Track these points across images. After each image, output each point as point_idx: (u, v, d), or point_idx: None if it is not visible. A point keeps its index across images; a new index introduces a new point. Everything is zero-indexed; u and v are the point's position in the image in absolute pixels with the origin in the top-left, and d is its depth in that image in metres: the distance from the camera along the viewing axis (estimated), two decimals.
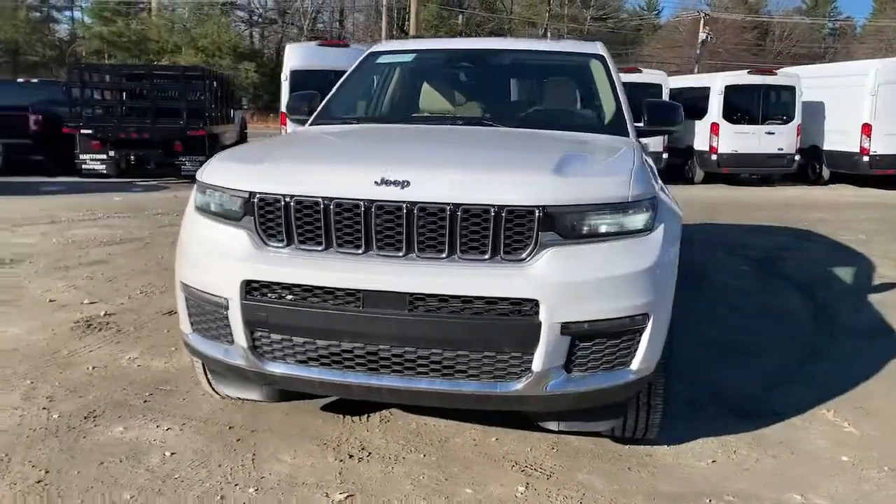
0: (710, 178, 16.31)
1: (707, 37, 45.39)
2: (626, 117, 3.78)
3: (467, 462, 2.97)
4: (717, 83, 15.88)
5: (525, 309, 2.49)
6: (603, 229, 2.60)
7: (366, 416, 3.34)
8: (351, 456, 2.98)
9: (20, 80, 18.05)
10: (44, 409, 3.34)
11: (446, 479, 2.82)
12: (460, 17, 47.87)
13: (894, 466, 3.06)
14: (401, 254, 2.56)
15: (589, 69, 4.15)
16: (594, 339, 2.60)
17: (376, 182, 2.54)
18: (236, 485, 2.73)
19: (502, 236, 2.52)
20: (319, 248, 2.62)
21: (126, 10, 46.15)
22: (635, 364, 2.66)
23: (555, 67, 4.39)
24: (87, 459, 2.88)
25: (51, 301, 5.12)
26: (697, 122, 16.10)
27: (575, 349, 2.58)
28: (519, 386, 2.55)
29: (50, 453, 2.91)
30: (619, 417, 2.92)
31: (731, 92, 15.73)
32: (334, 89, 4.21)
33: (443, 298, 2.51)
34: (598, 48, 4.30)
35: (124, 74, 16.22)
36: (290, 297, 2.62)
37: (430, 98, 4.29)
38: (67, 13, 52.22)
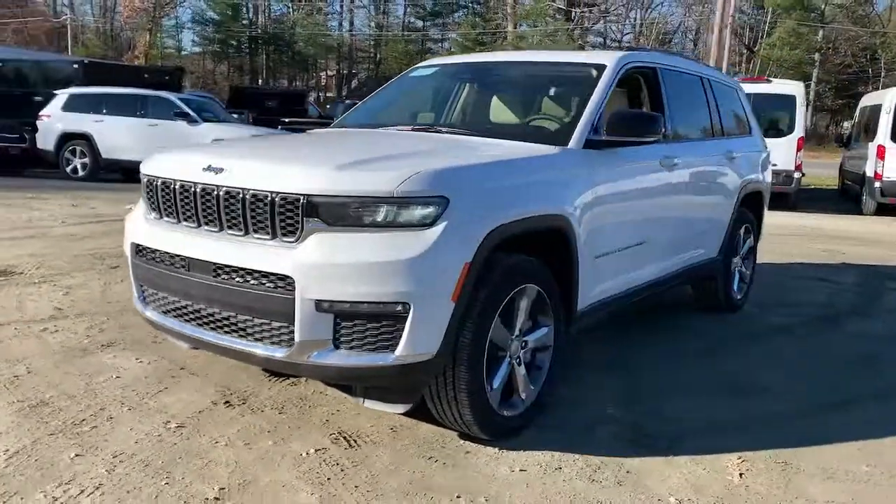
0: None
1: None
2: (579, 128, 3.72)
3: (304, 424, 3.33)
4: None
5: (285, 284, 2.83)
6: (367, 220, 2.81)
7: (287, 378, 3.85)
8: (227, 402, 3.53)
9: (348, 101, 21.31)
10: (87, 337, 4.43)
11: (268, 432, 3.24)
12: (820, 32, 43.58)
13: None
14: (217, 229, 3.07)
15: (581, 79, 4.07)
16: (355, 320, 2.82)
17: (203, 168, 3.09)
18: (121, 403, 3.46)
19: (278, 220, 2.89)
20: (174, 221, 3.25)
21: (489, 39, 50.78)
22: (399, 350, 2.81)
23: (548, 78, 4.37)
24: (61, 371, 3.85)
25: None
26: None
27: (340, 327, 2.84)
28: (286, 352, 2.89)
29: (48, 363, 3.94)
30: (410, 402, 3.07)
31: None
32: (364, 100, 4.77)
33: (234, 269, 2.96)
34: (608, 58, 4.20)
35: None
36: (153, 257, 3.29)
37: (408, 106, 4.60)
38: (440, 45, 58.84)
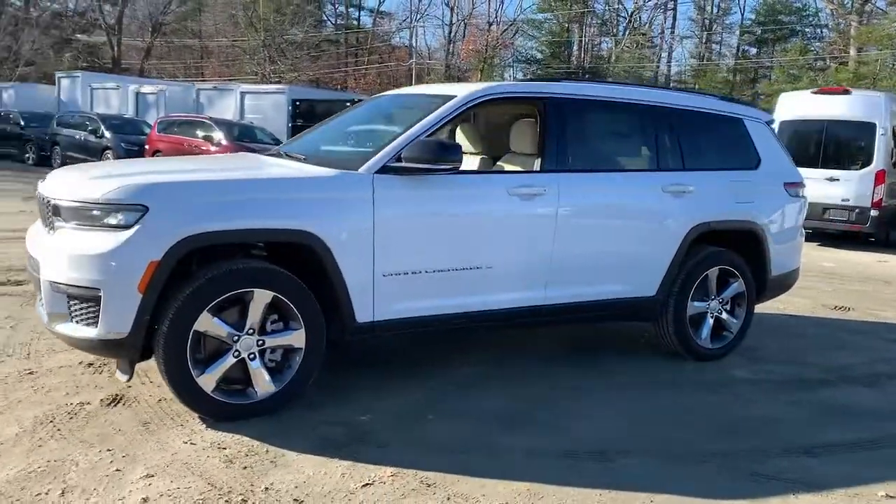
0: None
1: None
2: (378, 155, 4.00)
3: (111, 387, 4.13)
4: None
5: (39, 267, 3.70)
6: (84, 221, 3.57)
7: None
8: (90, 364, 4.48)
9: None
10: None
11: (75, 386, 4.10)
12: None
13: None
14: (48, 228, 4.04)
15: (425, 110, 4.30)
16: (74, 300, 3.58)
17: (41, 180, 4.11)
18: (9, 354, 4.59)
19: (49, 218, 3.78)
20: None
21: (825, 66, 46.28)
22: (99, 327, 3.51)
23: (415, 109, 4.51)
24: (11, 315, 5.13)
25: None
26: None
27: (70, 304, 3.62)
28: (46, 321, 3.75)
29: (10, 310, 5.27)
30: (127, 374, 3.70)
31: None
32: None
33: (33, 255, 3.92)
34: (464, 90, 4.36)
35: None
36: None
37: (320, 135, 5.06)
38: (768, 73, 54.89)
